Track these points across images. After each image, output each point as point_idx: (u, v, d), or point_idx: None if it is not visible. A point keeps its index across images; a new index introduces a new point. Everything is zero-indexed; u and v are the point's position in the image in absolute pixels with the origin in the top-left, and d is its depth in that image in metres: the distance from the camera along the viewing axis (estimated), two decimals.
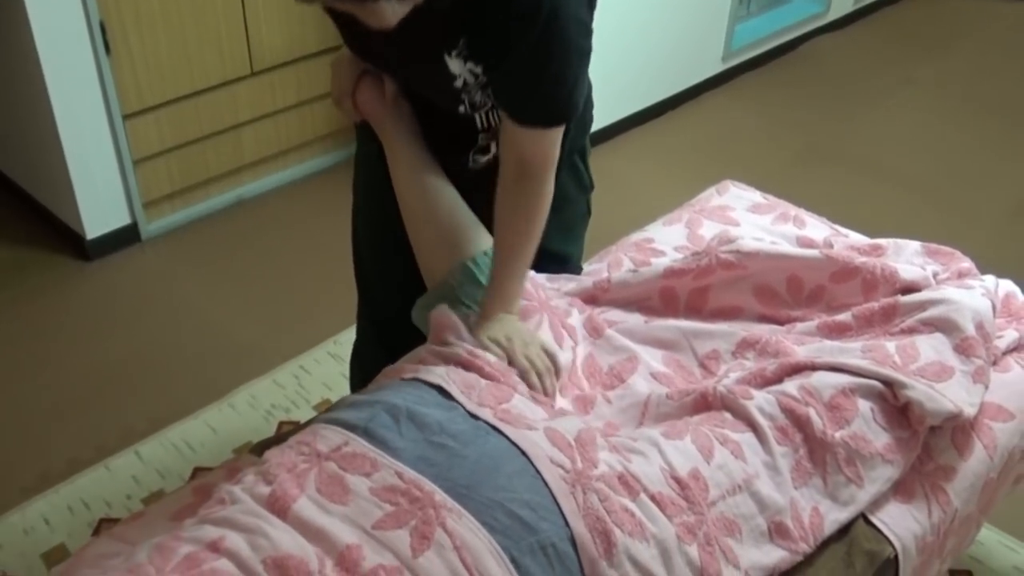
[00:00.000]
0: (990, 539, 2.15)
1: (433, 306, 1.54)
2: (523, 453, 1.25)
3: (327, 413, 1.37)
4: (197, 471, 2.27)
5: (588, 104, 1.69)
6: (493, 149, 1.60)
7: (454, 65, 1.41)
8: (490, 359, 1.41)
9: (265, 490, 1.18)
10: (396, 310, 1.77)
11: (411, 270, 1.64)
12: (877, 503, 1.43)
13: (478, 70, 1.42)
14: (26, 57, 2.65)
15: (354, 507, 1.16)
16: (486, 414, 1.31)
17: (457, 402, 1.33)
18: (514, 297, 1.50)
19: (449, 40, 1.38)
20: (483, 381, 1.39)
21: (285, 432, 1.49)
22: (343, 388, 2.45)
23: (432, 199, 1.57)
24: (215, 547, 1.10)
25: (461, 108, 1.50)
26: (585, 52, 1.40)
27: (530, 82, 1.37)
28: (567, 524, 1.19)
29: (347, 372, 2.16)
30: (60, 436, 2.38)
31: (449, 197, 1.59)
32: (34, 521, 2.15)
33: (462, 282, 1.53)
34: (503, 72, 1.39)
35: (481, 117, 1.55)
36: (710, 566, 1.25)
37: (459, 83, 1.44)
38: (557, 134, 1.44)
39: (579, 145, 1.70)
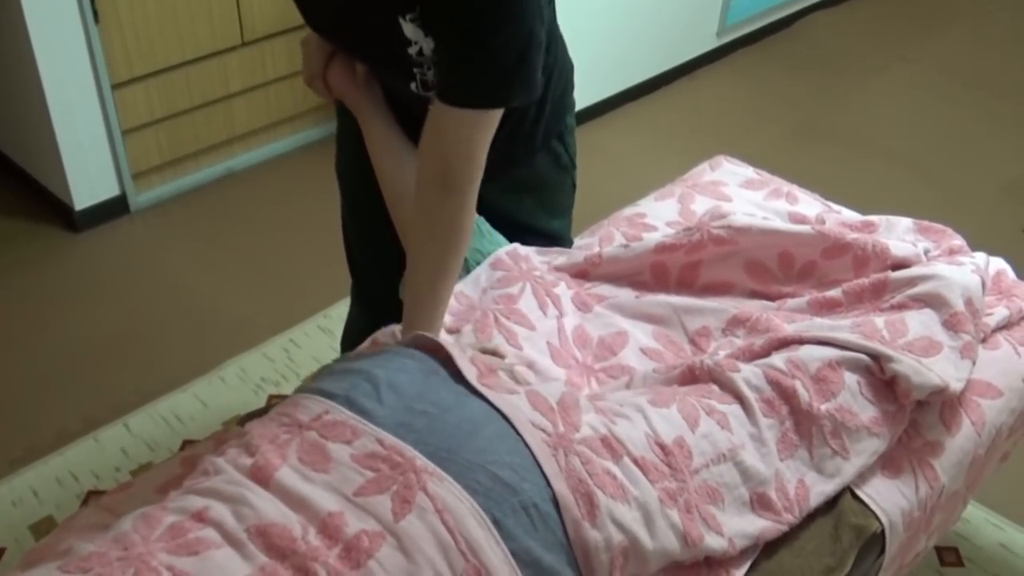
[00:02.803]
0: (976, 516, 2.16)
1: None
2: (504, 417, 1.25)
3: (307, 384, 1.37)
4: (186, 444, 2.27)
5: (568, 86, 1.67)
6: None
7: (408, 29, 1.35)
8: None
9: (248, 461, 1.18)
10: (383, 288, 1.76)
11: (395, 247, 1.63)
12: (865, 478, 1.44)
13: (432, 45, 1.37)
14: (14, 25, 2.62)
15: (336, 475, 1.16)
16: (471, 375, 1.31)
17: (444, 364, 1.34)
18: (434, 323, 1.44)
19: (404, 1, 1.33)
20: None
21: (273, 404, 1.49)
22: None
23: (410, 177, 1.55)
24: (200, 517, 1.11)
25: (413, 85, 1.45)
26: (535, 37, 1.31)
27: (466, 51, 1.29)
28: (549, 485, 1.19)
29: (337, 346, 2.15)
30: (49, 408, 2.37)
31: None
32: (22, 492, 2.14)
33: None
34: (444, 40, 1.32)
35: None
36: (692, 531, 1.26)
37: (413, 50, 1.38)
38: (486, 127, 1.34)
39: (557, 130, 1.67)
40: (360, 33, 1.45)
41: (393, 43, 1.38)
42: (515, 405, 1.27)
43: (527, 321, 1.54)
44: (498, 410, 1.26)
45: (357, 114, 1.58)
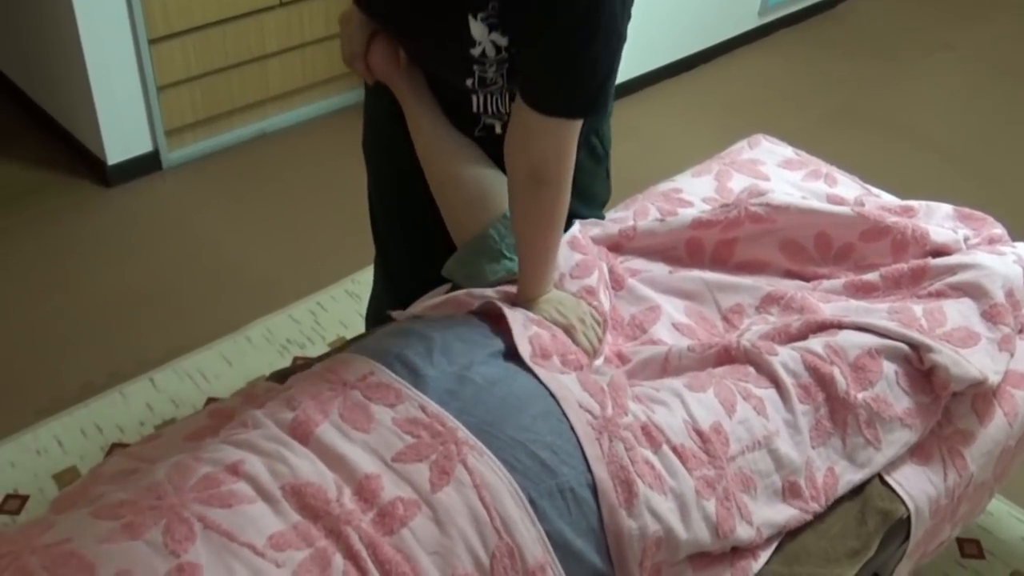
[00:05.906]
0: (1000, 510, 2.14)
1: (472, 260, 1.52)
2: (552, 395, 1.24)
3: (359, 341, 1.36)
4: (210, 401, 2.28)
5: None
6: (498, 130, 1.53)
7: (476, 29, 1.32)
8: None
9: (288, 415, 1.18)
10: (407, 263, 1.74)
11: (422, 227, 1.61)
12: (894, 463, 1.43)
13: (503, 42, 1.33)
14: None
15: (376, 436, 1.15)
16: (525, 352, 1.30)
17: (503, 338, 1.33)
18: (548, 285, 1.46)
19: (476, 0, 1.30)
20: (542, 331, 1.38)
21: (300, 364, 1.49)
22: (359, 326, 2.45)
23: (457, 159, 1.53)
24: (234, 470, 1.10)
25: (469, 82, 1.42)
26: (623, 39, 1.30)
27: (563, 64, 1.27)
28: (589, 470, 1.18)
29: (363, 311, 2.15)
30: (75, 360, 2.39)
31: (474, 156, 1.54)
32: (47, 442, 2.16)
33: (504, 235, 1.50)
34: (536, 51, 1.29)
35: (480, 99, 1.47)
36: (725, 522, 1.25)
37: (476, 51, 1.35)
38: (576, 130, 1.33)
39: (596, 125, 1.63)
40: (421, 28, 1.42)
41: (457, 41, 1.35)
42: (565, 385, 1.26)
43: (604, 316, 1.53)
44: (547, 388, 1.25)
45: (400, 97, 1.54)
